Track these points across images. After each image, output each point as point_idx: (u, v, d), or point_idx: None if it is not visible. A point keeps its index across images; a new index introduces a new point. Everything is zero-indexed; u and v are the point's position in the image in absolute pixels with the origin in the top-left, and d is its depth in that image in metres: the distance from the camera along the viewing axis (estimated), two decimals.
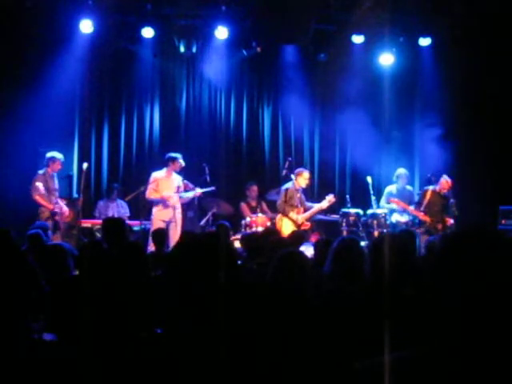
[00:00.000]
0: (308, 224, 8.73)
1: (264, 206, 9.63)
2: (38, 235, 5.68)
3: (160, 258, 5.34)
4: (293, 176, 8.80)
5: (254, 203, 9.61)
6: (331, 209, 9.83)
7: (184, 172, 8.91)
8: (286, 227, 8.45)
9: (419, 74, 10.40)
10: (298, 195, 8.69)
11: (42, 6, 8.88)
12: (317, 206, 8.82)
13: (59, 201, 8.34)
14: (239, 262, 4.51)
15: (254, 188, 9.63)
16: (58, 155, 8.43)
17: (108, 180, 10.04)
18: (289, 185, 8.77)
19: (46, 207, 8.12)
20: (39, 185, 8.08)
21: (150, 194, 8.62)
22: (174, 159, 8.69)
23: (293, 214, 8.62)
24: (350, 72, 10.00)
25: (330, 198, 8.80)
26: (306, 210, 8.78)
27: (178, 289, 1.77)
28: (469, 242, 1.31)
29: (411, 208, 8.99)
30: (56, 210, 8.16)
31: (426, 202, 8.75)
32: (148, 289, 3.32)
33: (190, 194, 8.87)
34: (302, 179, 8.73)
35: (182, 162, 8.72)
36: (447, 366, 1.25)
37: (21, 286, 2.44)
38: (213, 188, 8.97)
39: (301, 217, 8.64)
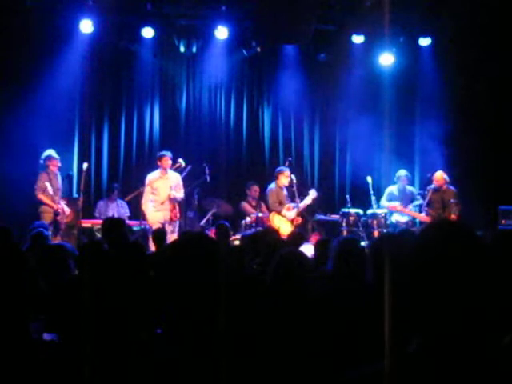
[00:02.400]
0: (299, 219, 8.82)
1: (263, 206, 9.64)
2: (41, 235, 5.67)
3: (160, 258, 5.34)
4: (293, 176, 8.87)
5: (254, 203, 9.61)
6: (331, 209, 9.84)
7: (184, 172, 8.90)
8: (280, 224, 8.64)
9: (419, 74, 10.39)
10: (284, 193, 8.88)
11: (41, 5, 8.89)
12: (302, 203, 8.87)
13: (61, 201, 8.40)
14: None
15: (255, 188, 9.63)
16: (51, 152, 8.45)
17: (108, 180, 10.04)
18: (272, 186, 8.97)
19: (50, 207, 8.16)
20: (46, 184, 8.16)
21: (146, 200, 8.58)
22: (161, 157, 8.64)
23: (285, 212, 8.78)
24: (350, 72, 10.02)
25: (312, 193, 8.95)
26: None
27: (174, 289, 1.77)
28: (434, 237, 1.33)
29: (410, 211, 9.02)
30: (59, 210, 8.20)
31: (427, 201, 8.80)
32: (148, 289, 3.31)
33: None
34: (283, 177, 8.89)
35: (181, 161, 8.70)
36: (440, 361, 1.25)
37: (21, 285, 2.44)
38: (187, 170, 8.88)
39: (292, 213, 8.75)
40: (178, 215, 8.69)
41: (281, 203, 8.81)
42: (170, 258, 1.85)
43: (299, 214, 8.87)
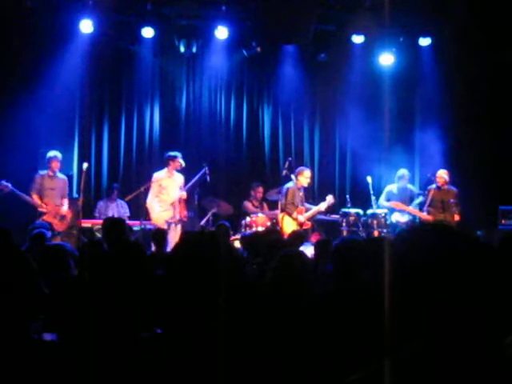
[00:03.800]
0: (309, 223, 8.76)
1: (265, 206, 9.65)
2: (41, 235, 5.67)
3: (160, 258, 5.34)
4: (293, 176, 8.81)
5: (256, 203, 9.62)
6: (331, 209, 9.83)
7: (184, 172, 8.91)
8: (288, 226, 8.50)
9: (419, 74, 10.39)
10: (300, 194, 8.72)
11: (41, 5, 8.89)
12: (316, 207, 8.84)
13: (61, 201, 8.43)
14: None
15: (260, 189, 9.62)
16: (52, 153, 8.46)
17: (108, 180, 10.04)
18: (290, 184, 8.78)
19: (38, 206, 8.25)
20: (38, 185, 8.29)
21: (152, 198, 8.57)
22: (174, 158, 8.66)
23: (295, 214, 8.64)
24: (349, 72, 10.02)
25: (329, 199, 8.83)
26: (305, 210, 8.82)
27: (178, 290, 1.77)
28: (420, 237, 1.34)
29: (411, 208, 9.01)
30: (41, 210, 8.24)
31: (428, 200, 8.79)
32: (148, 289, 3.31)
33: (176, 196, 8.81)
34: (303, 178, 8.76)
35: (182, 162, 8.70)
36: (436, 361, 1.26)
37: (21, 285, 2.45)
38: (204, 170, 8.89)
39: (303, 216, 8.66)
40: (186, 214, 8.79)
41: (293, 204, 8.64)
42: (169, 258, 1.85)
43: (309, 218, 8.80)
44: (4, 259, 2.27)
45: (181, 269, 1.78)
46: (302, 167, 9.04)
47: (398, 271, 1.35)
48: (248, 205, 9.53)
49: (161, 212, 8.59)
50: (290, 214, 8.62)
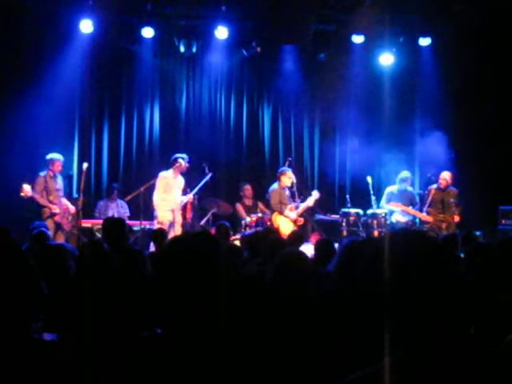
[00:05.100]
0: (302, 220, 8.81)
1: (261, 205, 9.64)
2: (42, 234, 5.67)
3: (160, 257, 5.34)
4: (292, 176, 8.88)
5: (249, 203, 9.63)
6: (331, 209, 9.85)
7: (184, 172, 8.92)
8: (282, 224, 8.61)
9: (419, 74, 10.39)
10: (287, 193, 8.83)
11: (42, 5, 8.89)
12: (305, 203, 8.88)
13: (65, 200, 8.44)
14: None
15: (248, 187, 9.66)
16: (57, 156, 8.46)
17: (108, 180, 10.04)
18: (274, 186, 8.92)
19: (47, 208, 8.19)
20: (43, 186, 8.22)
21: (158, 195, 8.60)
22: (181, 159, 8.75)
23: (287, 212, 8.74)
24: (350, 72, 10.02)
25: (315, 194, 8.92)
26: (295, 208, 8.92)
27: (178, 290, 1.77)
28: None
29: (411, 209, 9.01)
30: (55, 210, 8.23)
31: (429, 200, 8.80)
32: (148, 289, 3.31)
33: (185, 199, 8.90)
34: (285, 178, 8.86)
35: (181, 162, 8.74)
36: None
37: (21, 285, 2.45)
38: (209, 176, 8.98)
39: (294, 213, 8.73)
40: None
41: (283, 204, 8.78)
42: (169, 258, 1.85)
43: (300, 214, 8.86)
44: (4, 259, 2.27)
45: (180, 269, 1.78)
46: (283, 168, 9.10)
47: (395, 272, 1.36)
48: (239, 207, 9.55)
49: (165, 211, 8.62)
50: (281, 213, 8.72)
